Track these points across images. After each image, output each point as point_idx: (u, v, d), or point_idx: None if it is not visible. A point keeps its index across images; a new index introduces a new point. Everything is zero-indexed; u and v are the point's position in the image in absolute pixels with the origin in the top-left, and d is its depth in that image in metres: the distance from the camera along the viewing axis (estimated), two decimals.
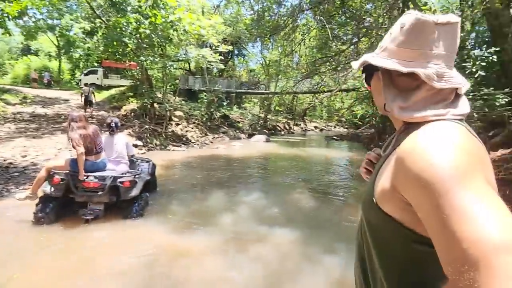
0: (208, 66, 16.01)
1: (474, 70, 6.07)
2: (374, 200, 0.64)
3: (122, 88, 18.11)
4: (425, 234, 0.56)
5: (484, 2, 6.11)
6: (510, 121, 5.94)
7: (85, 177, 3.55)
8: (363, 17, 8.58)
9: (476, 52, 6.33)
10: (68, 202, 3.72)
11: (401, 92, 0.66)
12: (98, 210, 3.70)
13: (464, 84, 0.64)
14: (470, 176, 0.48)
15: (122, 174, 3.87)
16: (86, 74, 21.44)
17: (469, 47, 6.99)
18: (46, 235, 3.30)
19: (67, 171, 3.58)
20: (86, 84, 14.43)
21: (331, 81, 13.16)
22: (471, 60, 6.28)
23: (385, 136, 12.24)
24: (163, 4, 10.66)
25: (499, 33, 6.45)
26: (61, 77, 26.51)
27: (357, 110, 17.50)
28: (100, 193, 3.60)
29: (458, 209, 0.45)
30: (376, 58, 0.70)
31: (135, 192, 3.80)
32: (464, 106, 0.64)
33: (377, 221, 0.65)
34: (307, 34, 9.64)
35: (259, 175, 7.74)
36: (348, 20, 8.88)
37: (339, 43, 9.20)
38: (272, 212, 4.55)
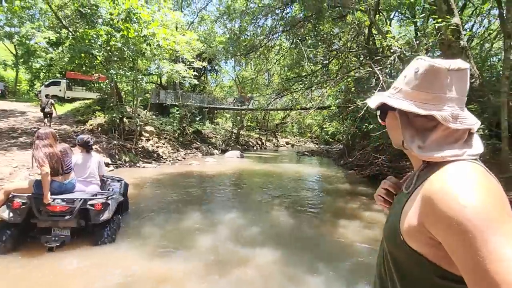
0: (182, 81, 15.87)
1: None
2: (401, 237, 0.66)
3: (87, 101, 17.21)
4: (449, 269, 0.59)
5: (439, 34, 6.81)
6: None
7: (51, 200, 3.25)
8: (333, 40, 9.16)
9: None
10: (28, 228, 3.37)
11: (418, 132, 0.71)
12: (63, 236, 3.38)
13: (476, 124, 0.70)
14: (502, 219, 0.52)
15: (93, 195, 3.61)
16: (47, 86, 20.10)
17: None
18: (1, 267, 2.93)
19: (30, 194, 3.26)
20: (47, 96, 13.47)
21: (302, 99, 13.64)
22: None
23: (354, 152, 12.82)
24: (136, 18, 10.49)
25: None
26: (18, 88, 24.59)
27: (328, 128, 18.23)
28: (67, 217, 3.30)
29: (493, 252, 0.49)
30: (393, 99, 0.74)
31: (107, 215, 3.54)
32: (478, 145, 0.69)
33: (403, 256, 0.67)
34: (281, 55, 9.99)
35: (235, 193, 7.64)
36: (319, 43, 9.39)
37: (311, 64, 9.67)
38: (251, 231, 4.48)
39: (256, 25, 8.97)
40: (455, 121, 0.67)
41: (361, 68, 7.45)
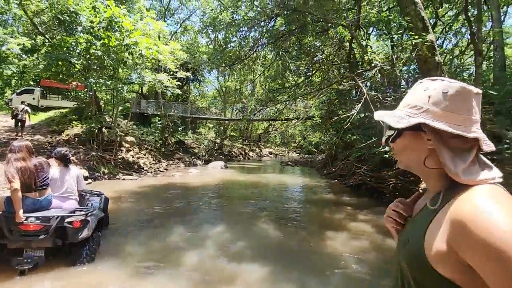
0: (164, 90, 15.61)
1: None
2: (428, 262, 0.63)
3: (63, 110, 16.49)
4: None
5: (416, 50, 7.17)
6: None
7: (23, 218, 3.00)
8: (316, 53, 9.42)
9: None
10: None
11: (456, 154, 0.68)
12: (37, 257, 3.12)
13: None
14: None
15: (71, 212, 3.37)
16: (19, 93, 19.11)
17: (406, 86, 8.05)
18: None
19: (0, 212, 3.00)
20: (22, 102, 12.92)
21: (286, 109, 13.82)
22: None
23: (337, 163, 13.04)
24: (118, 27, 10.27)
25: (428, 76, 7.55)
26: None
27: (311, 138, 18.51)
28: (42, 236, 3.06)
29: None
30: (426, 119, 0.70)
31: (86, 233, 3.32)
32: (496, 169, 0.69)
33: (430, 282, 0.64)
34: (266, 67, 10.12)
35: (220, 205, 7.48)
36: (302, 55, 9.61)
37: (295, 76, 9.86)
38: (238, 246, 4.36)
39: (241, 37, 9.05)
40: (483, 143, 0.67)
41: (344, 81, 7.67)
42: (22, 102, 12.92)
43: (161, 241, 4.37)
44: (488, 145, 0.68)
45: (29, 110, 12.01)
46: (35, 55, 12.73)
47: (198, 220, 5.79)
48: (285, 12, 7.64)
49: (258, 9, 8.16)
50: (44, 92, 20.24)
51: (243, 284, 3.21)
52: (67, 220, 3.22)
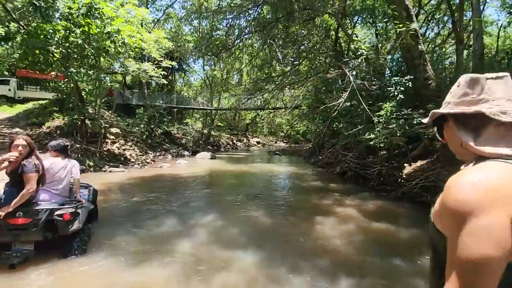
0: (149, 80, 15.25)
1: (396, 93, 7.11)
2: (431, 218, 0.77)
3: (42, 102, 15.83)
4: None
5: (399, 38, 7.30)
6: (425, 136, 7.08)
7: (11, 211, 2.94)
8: (303, 42, 9.42)
9: (396, 79, 7.45)
10: None
11: (472, 130, 0.77)
12: (26, 250, 3.07)
13: None
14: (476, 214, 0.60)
15: (61, 204, 3.32)
16: None
17: (390, 74, 8.23)
18: None
19: None
20: None
21: (273, 99, 13.83)
22: (393, 85, 7.37)
23: (324, 151, 13.29)
24: (98, 13, 9.84)
25: (411, 64, 7.75)
26: None
27: (299, 127, 18.69)
28: (33, 229, 3.01)
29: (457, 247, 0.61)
30: (444, 109, 0.83)
31: (76, 225, 3.29)
32: None
33: (435, 238, 0.76)
34: (253, 56, 10.04)
35: (209, 194, 7.53)
36: (289, 44, 9.59)
37: (282, 65, 9.84)
38: (231, 233, 4.44)
39: (227, 25, 8.91)
40: (505, 115, 0.71)
41: (331, 69, 7.74)
42: None
43: (152, 231, 4.38)
44: (508, 116, 0.71)
45: None
46: (9, 43, 12.08)
47: (188, 209, 5.82)
48: None
49: None
50: (21, 82, 19.31)
51: (237, 268, 3.30)
52: (56, 213, 3.18)
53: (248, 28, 8.61)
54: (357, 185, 8.52)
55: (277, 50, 8.92)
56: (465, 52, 11.81)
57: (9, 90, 18.36)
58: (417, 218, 5.41)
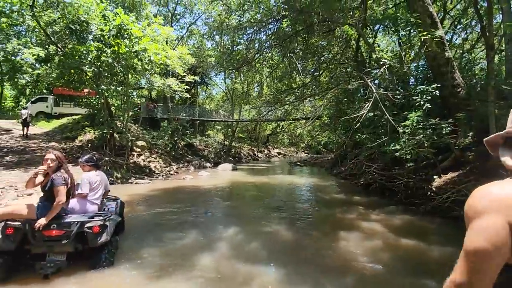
0: (173, 95, 15.86)
1: (422, 103, 6.84)
2: None
3: (76, 117, 16.90)
4: None
5: (424, 46, 7.08)
6: (455, 147, 6.71)
7: (47, 223, 3.13)
8: (323, 53, 9.40)
9: (421, 87, 7.19)
10: (20, 255, 3.21)
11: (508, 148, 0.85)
12: (59, 261, 3.23)
13: None
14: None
15: (91, 217, 3.49)
16: (33, 102, 19.71)
17: (414, 83, 7.95)
18: None
19: (24, 219, 3.13)
20: (24, 108, 14.39)
21: (294, 110, 13.80)
22: (418, 94, 7.11)
23: (346, 162, 12.96)
24: (127, 34, 10.49)
25: (438, 72, 7.47)
26: (3, 104, 23.99)
27: (321, 137, 18.46)
28: (64, 241, 3.18)
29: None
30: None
31: (105, 237, 3.42)
32: None
33: None
34: (273, 68, 10.16)
35: (231, 207, 7.56)
36: (309, 55, 9.61)
37: (302, 76, 9.86)
38: (252, 247, 4.41)
39: (248, 40, 9.13)
40: None
41: (352, 79, 7.64)
42: (25, 108, 14.58)
43: (175, 244, 4.46)
44: None
45: (30, 113, 13.93)
46: (49, 64, 13.12)
47: (210, 222, 5.88)
48: (291, 13, 7.67)
49: (264, 11, 8.20)
50: (57, 99, 20.77)
51: (258, 285, 3.25)
52: (86, 225, 3.33)
53: (268, 42, 8.76)
54: (383, 198, 8.19)
55: (296, 62, 8.96)
56: (496, 57, 11.19)
57: (47, 106, 19.80)
58: (450, 234, 5.08)
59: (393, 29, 11.93)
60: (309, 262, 3.88)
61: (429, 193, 6.87)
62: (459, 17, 13.36)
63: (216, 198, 8.76)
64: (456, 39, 14.86)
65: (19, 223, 3.11)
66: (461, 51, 12.79)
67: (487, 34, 6.26)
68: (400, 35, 10.87)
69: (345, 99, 9.06)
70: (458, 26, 13.82)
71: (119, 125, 13.73)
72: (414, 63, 9.94)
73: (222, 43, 22.05)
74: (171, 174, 13.23)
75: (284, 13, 7.81)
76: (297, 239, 4.85)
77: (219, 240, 4.69)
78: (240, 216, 6.44)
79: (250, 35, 8.82)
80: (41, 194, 3.35)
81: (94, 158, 4.09)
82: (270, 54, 9.94)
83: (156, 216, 6.12)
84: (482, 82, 8.51)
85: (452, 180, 6.61)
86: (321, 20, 7.73)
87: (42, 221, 3.08)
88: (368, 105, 6.11)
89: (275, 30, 8.27)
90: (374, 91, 5.95)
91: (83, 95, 17.46)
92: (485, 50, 13.60)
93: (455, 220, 5.68)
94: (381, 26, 13.27)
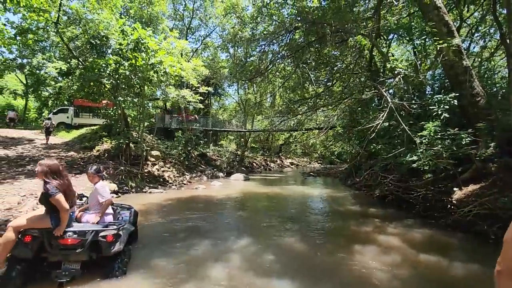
0: (187, 105, 16.19)
1: (439, 112, 6.65)
2: None
3: (94, 127, 17.47)
4: None
5: (441, 55, 6.93)
6: (476, 158, 6.44)
7: (62, 232, 3.19)
8: (336, 63, 9.38)
9: (439, 96, 7.00)
10: (37, 263, 3.28)
11: None
12: (74, 270, 3.28)
13: None
14: None
15: (105, 226, 3.54)
16: (55, 113, 20.60)
17: (431, 92, 7.76)
18: None
19: (41, 228, 3.20)
20: (49, 119, 15.27)
21: (307, 120, 13.73)
22: (435, 104, 6.92)
23: (361, 172, 12.67)
24: (144, 47, 10.87)
25: (456, 81, 7.27)
26: (27, 115, 25.16)
27: (334, 148, 18.22)
28: (79, 250, 3.23)
29: None
30: None
31: (118, 246, 3.46)
32: None
33: None
34: (286, 79, 10.21)
35: (243, 217, 7.49)
36: (322, 66, 9.60)
37: (315, 86, 9.85)
38: (265, 259, 4.33)
39: (261, 51, 9.25)
40: None
41: (366, 89, 7.55)
42: (49, 119, 15.52)
43: (188, 254, 4.44)
44: None
45: (54, 123, 15.01)
46: (70, 77, 13.71)
47: (222, 232, 5.83)
48: (304, 24, 7.74)
49: (277, 23, 8.32)
50: (77, 110, 21.62)
51: None
52: (101, 234, 3.38)
53: (280, 53, 8.85)
54: (400, 210, 7.91)
55: (309, 72, 8.97)
56: None
57: (67, 117, 20.64)
58: (472, 250, 4.82)
59: (407, 38, 11.82)
60: (325, 276, 3.76)
61: (449, 206, 6.58)
62: (476, 25, 13.07)
63: (229, 208, 8.72)
64: (474, 47, 14.51)
65: (37, 231, 3.19)
66: (479, 60, 12.45)
67: (508, 41, 6.07)
68: (415, 44, 10.72)
69: (359, 109, 8.93)
70: (476, 34, 13.51)
71: (135, 135, 14.08)
72: (430, 72, 9.75)
73: (235, 55, 22.46)
74: (184, 184, 13.33)
75: (297, 25, 7.89)
76: (311, 251, 4.72)
77: (232, 251, 4.63)
78: (253, 227, 6.37)
79: (263, 47, 8.95)
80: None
81: (101, 169, 4.17)
82: (282, 65, 10.01)
83: (169, 225, 6.14)
84: (503, 90, 8.22)
85: (473, 192, 6.32)
86: (333, 31, 7.75)
87: (58, 232, 3.16)
88: (383, 115, 5.98)
89: (288, 41, 8.35)
90: (390, 100, 5.83)
91: (101, 106, 18.13)
92: (505, 58, 13.21)
93: (477, 236, 5.40)
94: (395, 36, 13.18)
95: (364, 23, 7.86)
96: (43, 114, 25.06)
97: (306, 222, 6.89)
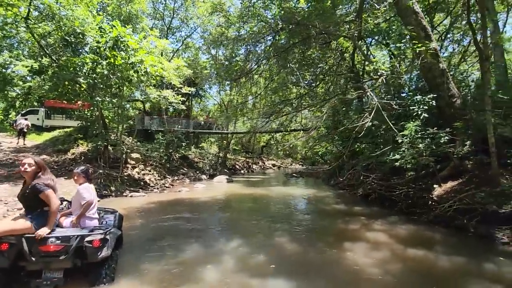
0: (169, 106, 15.79)
1: (419, 112, 6.94)
2: None
3: (68, 130, 16.58)
4: None
5: (420, 58, 7.24)
6: (454, 156, 6.76)
7: (44, 238, 2.94)
8: (319, 65, 9.55)
9: (418, 97, 7.31)
10: (14, 272, 3.00)
11: None
12: (56, 278, 3.04)
13: None
14: None
15: (90, 231, 3.30)
16: (24, 114, 19.30)
17: (410, 94, 8.06)
18: None
19: (18, 235, 2.92)
20: (26, 118, 14.39)
21: (289, 121, 13.83)
22: (415, 104, 7.22)
23: (343, 172, 12.94)
24: (123, 46, 10.46)
25: (433, 83, 7.62)
26: None
27: (318, 148, 18.51)
28: (62, 257, 2.99)
29: None
30: None
31: (105, 252, 3.24)
32: None
33: None
34: (271, 79, 10.25)
35: (231, 219, 7.38)
36: (305, 67, 9.74)
37: (299, 87, 9.96)
38: (258, 260, 4.26)
39: (246, 51, 9.22)
40: None
41: (351, 90, 7.73)
42: (26, 119, 14.97)
43: (177, 258, 4.27)
44: None
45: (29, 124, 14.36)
46: (41, 76, 12.93)
47: (211, 235, 5.70)
48: (289, 26, 7.81)
49: (263, 23, 8.34)
50: (48, 112, 20.44)
51: None
52: (86, 239, 3.15)
53: (265, 54, 8.87)
54: (383, 208, 8.14)
55: (293, 73, 9.06)
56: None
57: (38, 119, 19.43)
58: (455, 244, 5.03)
59: (384, 42, 12.29)
60: (320, 274, 3.75)
61: (430, 202, 6.86)
62: (445, 32, 13.87)
63: (215, 210, 8.57)
64: (443, 52, 15.39)
65: (14, 238, 2.92)
66: (448, 64, 13.21)
67: (481, 46, 6.45)
68: (391, 48, 11.17)
69: (343, 109, 9.13)
70: (446, 41, 14.33)
71: (113, 137, 13.49)
72: (407, 75, 10.18)
73: (217, 56, 22.27)
74: (166, 187, 12.95)
75: (282, 25, 7.94)
76: (302, 251, 4.71)
77: (223, 252, 4.52)
78: (241, 229, 6.27)
79: (249, 47, 8.93)
80: None
81: (89, 171, 3.93)
82: (267, 66, 10.02)
83: (155, 229, 5.91)
84: (474, 92, 8.74)
85: (452, 189, 6.63)
86: (318, 32, 7.88)
87: (44, 231, 2.94)
88: (371, 115, 6.14)
89: (273, 41, 8.39)
90: (376, 100, 6.00)
91: (76, 107, 17.23)
92: (470, 62, 14.11)
93: (458, 230, 5.66)
94: (373, 40, 13.67)
95: (348, 26, 8.06)
96: (10, 116, 23.43)
97: (294, 222, 6.90)
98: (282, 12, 7.21)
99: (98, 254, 3.18)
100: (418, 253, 4.57)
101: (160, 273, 3.71)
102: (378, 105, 5.78)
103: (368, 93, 6.62)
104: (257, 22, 8.52)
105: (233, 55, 10.16)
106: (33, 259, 2.91)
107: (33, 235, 2.93)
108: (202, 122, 22.52)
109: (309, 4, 7.10)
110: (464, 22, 11.05)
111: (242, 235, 5.61)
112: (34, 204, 3.08)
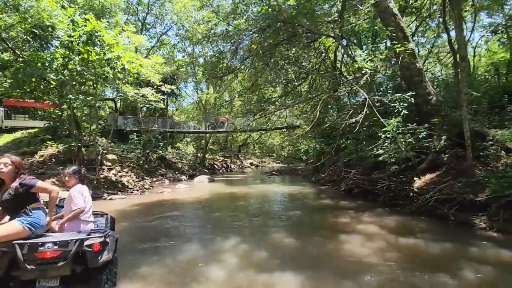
0: (149, 105, 15.17)
1: (400, 109, 7.30)
2: None
3: (32, 130, 15.33)
4: None
5: (399, 57, 7.63)
6: (432, 150, 7.22)
7: (39, 244, 2.69)
8: (302, 63, 9.73)
9: (398, 95, 7.69)
10: (6, 282, 2.71)
11: None
12: (52, 287, 2.79)
13: None
14: None
15: (88, 234, 3.07)
16: None
17: (389, 92, 8.47)
18: None
19: (11, 240, 2.65)
20: None
21: (269, 120, 13.93)
22: (396, 101, 7.59)
23: (324, 169, 13.29)
24: (99, 40, 9.87)
25: (411, 81, 8.07)
26: None
27: (301, 146, 18.82)
28: (60, 263, 2.74)
29: None
30: None
31: (106, 256, 3.01)
32: None
33: None
34: (257, 77, 10.23)
35: (222, 218, 7.27)
36: (289, 66, 9.87)
37: (283, 86, 10.08)
38: (261, 256, 4.24)
39: (232, 49, 9.12)
40: None
41: (339, 87, 7.96)
42: None
43: (177, 258, 4.13)
44: None
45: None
46: (4, 72, 11.85)
47: (206, 234, 5.58)
48: (275, 23, 7.85)
49: (251, 20, 8.32)
50: (8, 112, 18.77)
51: None
52: (86, 243, 2.92)
53: (251, 52, 8.85)
54: (367, 201, 8.47)
55: (278, 71, 9.14)
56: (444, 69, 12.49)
57: None
58: (440, 231, 5.36)
59: (364, 42, 12.83)
60: (324, 266, 3.82)
61: (411, 194, 7.26)
62: (415, 34, 14.79)
63: (203, 210, 8.41)
64: (418, 52, 16.48)
65: (5, 245, 2.63)
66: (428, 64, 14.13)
67: (457, 46, 6.94)
68: (371, 48, 11.66)
69: (329, 107, 9.38)
70: (413, 43, 15.29)
71: (86, 138, 12.72)
72: (380, 74, 10.68)
73: (194, 54, 21.83)
74: (146, 189, 12.47)
75: (267, 23, 7.97)
76: (301, 245, 4.77)
77: (223, 251, 4.44)
78: (235, 226, 6.20)
79: (235, 44, 8.85)
80: None
81: (82, 171, 3.66)
82: (251, 64, 9.99)
83: (145, 231, 5.67)
84: (447, 91, 9.40)
85: (432, 180, 7.07)
86: (303, 31, 8.01)
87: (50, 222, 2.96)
88: (363, 111, 6.36)
89: (259, 39, 8.39)
90: (368, 97, 6.23)
91: (40, 107, 15.97)
92: (437, 64, 15.16)
93: (440, 218, 6.03)
94: (346, 40, 14.20)
95: (332, 25, 8.29)
96: None
97: (285, 218, 6.97)
98: (270, 9, 7.24)
99: (99, 258, 2.96)
100: (409, 241, 4.81)
101: (163, 274, 3.56)
102: (369, 101, 6.00)
103: (357, 90, 6.85)
104: (243, 18, 8.48)
105: (219, 52, 10.01)
106: (29, 267, 2.64)
107: (26, 241, 2.66)
108: (213, 121, 21.86)
109: (297, 2, 7.18)
110: (433, 24, 11.81)
111: (237, 233, 5.54)
112: (22, 204, 2.80)
